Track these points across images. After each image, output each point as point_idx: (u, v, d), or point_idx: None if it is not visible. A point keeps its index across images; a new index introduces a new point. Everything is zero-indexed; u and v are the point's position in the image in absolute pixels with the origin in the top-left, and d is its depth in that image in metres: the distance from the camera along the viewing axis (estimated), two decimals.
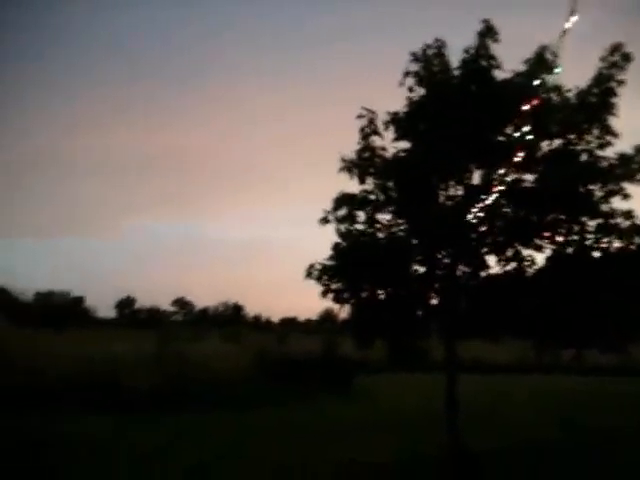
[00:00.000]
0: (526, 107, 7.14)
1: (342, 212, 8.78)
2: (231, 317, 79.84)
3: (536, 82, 7.48)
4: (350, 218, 8.80)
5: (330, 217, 8.79)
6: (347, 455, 8.69)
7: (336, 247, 8.72)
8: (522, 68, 8.44)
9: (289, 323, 72.17)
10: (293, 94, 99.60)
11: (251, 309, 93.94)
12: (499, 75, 8.56)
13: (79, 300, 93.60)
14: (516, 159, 7.65)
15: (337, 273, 8.59)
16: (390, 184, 8.91)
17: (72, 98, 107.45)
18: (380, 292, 8.64)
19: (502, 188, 7.96)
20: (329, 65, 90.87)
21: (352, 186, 8.89)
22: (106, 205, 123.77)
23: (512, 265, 8.50)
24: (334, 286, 8.59)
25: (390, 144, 8.96)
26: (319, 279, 8.61)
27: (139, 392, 11.91)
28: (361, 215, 8.84)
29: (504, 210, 8.49)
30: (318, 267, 8.64)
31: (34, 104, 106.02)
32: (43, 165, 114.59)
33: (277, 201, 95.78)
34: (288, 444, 9.44)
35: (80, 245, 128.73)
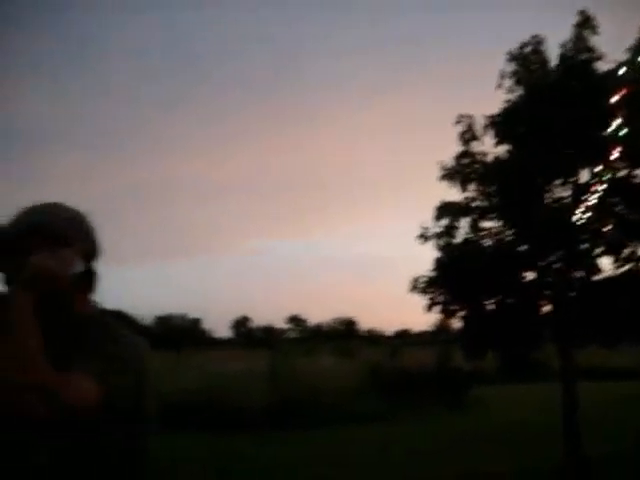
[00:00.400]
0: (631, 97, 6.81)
1: (444, 221, 8.63)
2: (344, 332, 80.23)
3: None
4: (452, 227, 8.64)
5: (429, 232, 8.64)
6: (466, 466, 8.49)
7: (439, 258, 8.57)
8: (624, 57, 8.05)
9: (402, 336, 71.74)
10: (400, 108, 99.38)
11: (365, 323, 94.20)
12: (600, 67, 8.22)
13: (197, 322, 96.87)
14: (623, 154, 7.30)
15: (442, 285, 8.44)
16: (493, 189, 8.69)
17: (191, 123, 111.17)
18: (488, 302, 8.40)
19: (611, 185, 7.61)
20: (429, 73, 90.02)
21: (453, 195, 8.75)
22: (220, 227, 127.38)
23: (629, 266, 8.09)
24: (440, 298, 8.45)
25: (490, 149, 8.76)
26: (424, 292, 8.49)
27: (252, 410, 12.12)
28: (464, 223, 8.67)
29: (616, 208, 8.10)
30: (423, 279, 8.52)
31: (153, 129, 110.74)
32: (161, 190, 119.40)
33: (390, 216, 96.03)
34: (405, 457, 9.35)
35: (198, 267, 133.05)
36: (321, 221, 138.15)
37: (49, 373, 1.29)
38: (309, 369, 16.26)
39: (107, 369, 1.40)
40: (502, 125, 8.66)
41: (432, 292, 8.51)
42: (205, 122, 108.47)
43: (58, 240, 1.50)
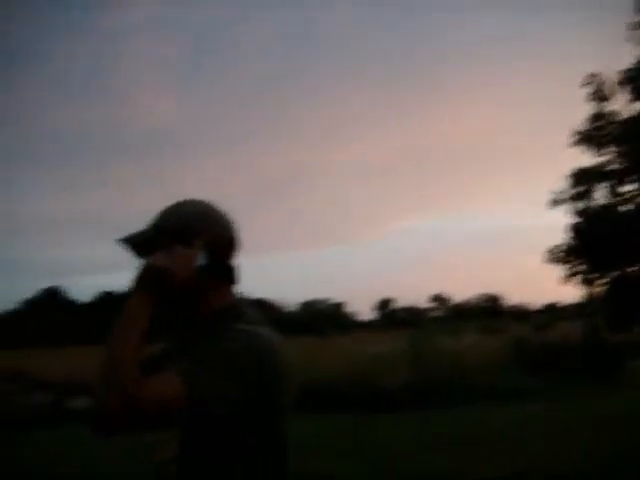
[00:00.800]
0: None
1: (579, 189, 8.24)
2: (489, 309, 78.70)
3: None
4: (587, 193, 8.23)
5: (561, 197, 8.28)
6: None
7: (576, 224, 8.19)
8: None
9: (550, 310, 69.26)
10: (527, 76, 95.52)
11: (510, 299, 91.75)
12: None
13: (340, 306, 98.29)
14: None
15: (580, 253, 8.07)
16: (631, 150, 8.19)
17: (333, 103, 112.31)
18: (632, 269, 7.95)
19: None
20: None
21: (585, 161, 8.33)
22: (362, 210, 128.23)
23: None
24: (578, 268, 8.09)
25: (624, 107, 8.26)
26: (562, 262, 8.17)
27: (395, 390, 12.18)
28: (600, 188, 8.23)
29: None
30: (559, 249, 8.20)
31: (288, 117, 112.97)
32: (301, 178, 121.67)
33: (531, 185, 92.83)
34: (555, 433, 9.04)
35: (341, 252, 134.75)
36: (460, 197, 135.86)
37: (130, 372, 1.32)
38: (452, 347, 16.08)
39: (207, 366, 1.41)
40: (638, 80, 8.14)
41: (570, 261, 8.16)
42: (338, 106, 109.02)
43: (181, 239, 1.54)
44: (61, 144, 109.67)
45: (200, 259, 1.54)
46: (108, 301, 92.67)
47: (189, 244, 1.54)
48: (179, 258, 1.50)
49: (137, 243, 1.59)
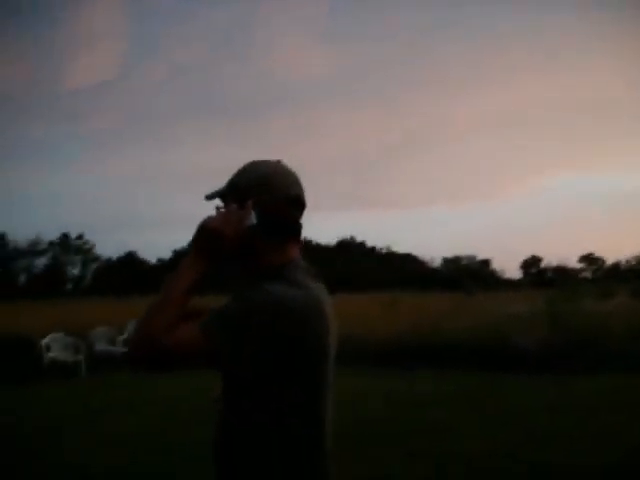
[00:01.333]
0: None
1: None
2: None
3: None
4: None
5: None
6: None
7: None
8: None
9: None
10: None
11: None
12: None
13: (486, 263, 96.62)
14: None
15: None
16: None
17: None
18: None
19: None
20: None
21: None
22: (509, 165, 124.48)
23: None
24: None
25: None
26: None
27: (529, 351, 12.04)
28: None
29: None
30: None
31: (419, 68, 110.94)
32: (439, 130, 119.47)
33: None
34: None
35: (486, 208, 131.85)
36: (613, 152, 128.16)
37: (159, 321, 1.49)
38: (598, 310, 15.59)
39: (224, 321, 1.51)
40: None
41: None
42: (485, 54, 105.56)
43: (241, 197, 1.65)
44: (219, 98, 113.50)
45: (251, 219, 1.61)
46: None
47: (241, 204, 1.63)
48: (230, 218, 1.60)
49: (219, 197, 1.73)
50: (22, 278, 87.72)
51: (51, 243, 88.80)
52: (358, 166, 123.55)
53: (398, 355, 13.07)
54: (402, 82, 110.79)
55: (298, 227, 1.73)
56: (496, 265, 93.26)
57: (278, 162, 1.74)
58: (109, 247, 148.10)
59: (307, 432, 1.58)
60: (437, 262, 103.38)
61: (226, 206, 1.69)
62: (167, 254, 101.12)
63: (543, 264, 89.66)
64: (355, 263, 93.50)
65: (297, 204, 1.71)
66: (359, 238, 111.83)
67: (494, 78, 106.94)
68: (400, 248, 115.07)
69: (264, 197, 1.65)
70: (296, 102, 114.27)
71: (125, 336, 15.20)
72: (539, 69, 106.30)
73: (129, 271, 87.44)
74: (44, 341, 13.23)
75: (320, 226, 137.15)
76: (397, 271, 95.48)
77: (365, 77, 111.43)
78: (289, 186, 1.70)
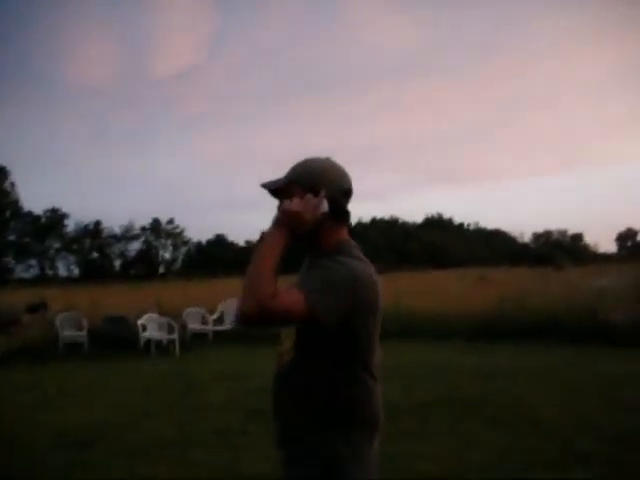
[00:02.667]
0: None
1: None
2: None
3: None
4: None
5: None
6: None
7: None
8: None
9: None
10: None
11: None
12: None
13: (578, 237, 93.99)
14: None
15: None
16: None
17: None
18: None
19: None
20: None
21: None
22: (600, 136, 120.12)
23: None
24: None
25: None
26: None
27: (617, 325, 11.78)
28: None
29: None
30: None
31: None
32: (533, 101, 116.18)
33: None
34: None
35: (579, 180, 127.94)
36: None
37: (264, 286, 1.84)
38: None
39: (319, 285, 1.89)
40: None
41: None
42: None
43: (310, 188, 2.02)
44: (302, 78, 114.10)
45: (324, 206, 2.00)
46: None
47: (316, 194, 2.00)
48: (309, 205, 1.97)
49: (273, 189, 2.11)
50: (117, 263, 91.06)
51: (143, 228, 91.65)
52: (445, 141, 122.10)
53: (485, 330, 13.06)
54: (488, 52, 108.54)
55: (349, 214, 2.12)
56: (589, 239, 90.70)
57: (328, 159, 2.10)
58: (199, 230, 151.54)
59: (367, 376, 2.01)
60: (527, 237, 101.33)
61: (280, 197, 2.07)
62: (255, 236, 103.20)
63: (639, 237, 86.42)
64: (443, 240, 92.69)
65: (349, 195, 2.10)
66: (447, 215, 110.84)
67: (588, 42, 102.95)
68: (489, 224, 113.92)
69: (329, 189, 2.02)
70: (380, 78, 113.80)
71: (215, 316, 15.73)
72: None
73: (219, 253, 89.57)
74: (140, 321, 13.84)
75: (407, 203, 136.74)
76: (486, 247, 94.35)
77: (449, 48, 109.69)
78: (344, 179, 2.10)
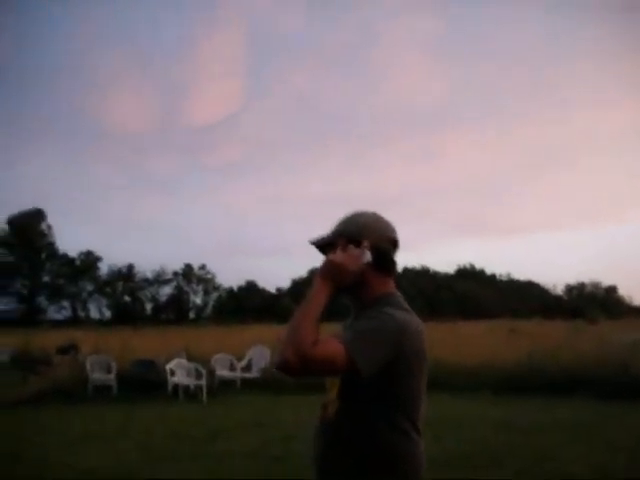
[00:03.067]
0: None
1: None
2: None
3: None
4: None
5: None
6: None
7: None
8: None
9: None
10: None
11: None
12: None
13: (612, 289, 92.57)
14: None
15: None
16: None
17: None
18: None
19: None
20: None
21: None
22: (636, 187, 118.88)
23: None
24: None
25: None
26: None
27: None
28: None
29: None
30: None
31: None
32: (564, 151, 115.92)
33: None
34: None
35: (613, 232, 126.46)
36: None
37: (306, 335, 1.86)
38: None
39: (354, 337, 1.93)
40: None
41: None
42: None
43: (353, 240, 2.08)
44: (339, 125, 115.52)
45: (366, 257, 2.05)
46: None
47: (359, 245, 2.06)
48: (351, 256, 2.03)
49: (320, 244, 2.18)
50: (148, 306, 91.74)
51: (175, 273, 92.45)
52: (477, 191, 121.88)
53: (514, 383, 12.88)
54: (524, 101, 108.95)
55: (395, 265, 2.17)
56: (623, 292, 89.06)
57: (374, 213, 2.20)
58: (230, 276, 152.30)
59: (411, 429, 2.02)
60: (560, 289, 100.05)
61: (330, 251, 2.11)
62: (286, 283, 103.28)
63: None
64: (474, 291, 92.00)
65: (394, 246, 2.16)
66: (479, 265, 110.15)
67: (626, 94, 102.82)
68: (521, 275, 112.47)
69: (372, 240, 2.09)
70: (413, 126, 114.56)
71: (244, 363, 15.77)
72: None
73: (249, 300, 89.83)
74: (168, 366, 13.93)
75: (439, 253, 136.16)
76: (518, 299, 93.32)
77: (481, 97, 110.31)
78: (388, 231, 2.16)
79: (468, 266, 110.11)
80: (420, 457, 2.04)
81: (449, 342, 17.63)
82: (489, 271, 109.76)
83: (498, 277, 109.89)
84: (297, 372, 1.88)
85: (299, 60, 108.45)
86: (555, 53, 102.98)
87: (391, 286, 2.15)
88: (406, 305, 2.10)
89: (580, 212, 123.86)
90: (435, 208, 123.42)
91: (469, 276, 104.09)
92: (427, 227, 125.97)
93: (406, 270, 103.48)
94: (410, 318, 2.05)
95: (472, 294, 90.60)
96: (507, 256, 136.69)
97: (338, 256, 2.03)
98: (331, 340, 1.92)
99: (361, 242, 2.07)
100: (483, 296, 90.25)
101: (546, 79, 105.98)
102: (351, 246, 2.07)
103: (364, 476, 1.97)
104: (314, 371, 1.90)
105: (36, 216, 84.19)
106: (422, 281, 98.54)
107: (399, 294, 2.14)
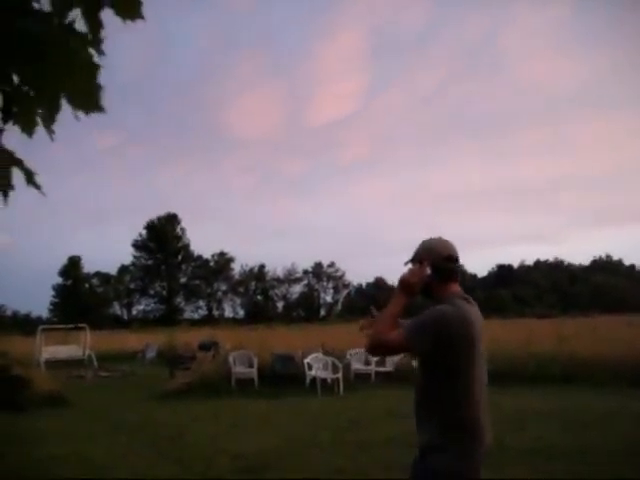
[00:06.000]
0: None
1: None
2: None
3: None
4: None
5: None
6: None
7: None
8: None
9: None
10: None
11: None
12: None
13: None
14: None
15: None
16: None
17: None
18: None
19: None
20: None
21: None
22: None
23: None
24: None
25: None
26: None
27: None
28: None
29: None
30: None
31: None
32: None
33: None
34: None
35: None
36: None
37: (383, 329, 2.74)
38: None
39: (408, 326, 2.74)
40: None
41: None
42: None
43: (418, 260, 2.91)
44: (461, 119, 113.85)
45: (426, 272, 2.86)
46: (501, 275, 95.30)
47: (421, 264, 2.88)
48: (413, 273, 2.88)
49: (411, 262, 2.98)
50: (279, 304, 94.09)
51: (305, 272, 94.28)
52: (613, 180, 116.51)
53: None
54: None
55: (455, 273, 2.91)
56: None
57: (440, 238, 2.96)
58: (359, 274, 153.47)
59: (462, 390, 2.67)
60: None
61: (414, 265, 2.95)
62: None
63: None
64: (611, 283, 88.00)
65: (451, 260, 2.90)
66: (616, 256, 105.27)
67: None
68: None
69: (431, 259, 2.88)
70: (543, 116, 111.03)
71: (378, 358, 16.12)
72: None
73: (378, 296, 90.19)
74: (306, 360, 14.52)
75: (573, 244, 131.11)
76: None
77: (616, 84, 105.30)
78: (445, 249, 2.91)
79: (604, 257, 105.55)
80: (477, 421, 2.68)
81: (585, 336, 17.23)
82: (627, 262, 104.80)
83: (638, 268, 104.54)
84: (377, 352, 2.87)
85: (423, 58, 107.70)
86: None
87: (455, 288, 2.88)
88: (457, 302, 2.76)
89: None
90: (568, 198, 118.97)
91: (605, 268, 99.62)
92: (561, 217, 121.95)
93: (539, 262, 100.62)
94: (455, 310, 2.71)
95: (609, 286, 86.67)
96: None
97: (406, 274, 2.88)
98: (396, 330, 2.76)
99: (422, 262, 2.87)
100: (621, 288, 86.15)
101: None
102: (416, 265, 2.89)
103: (442, 435, 2.66)
104: (387, 351, 2.91)
105: (171, 220, 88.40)
106: (556, 274, 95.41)
107: (461, 294, 2.84)
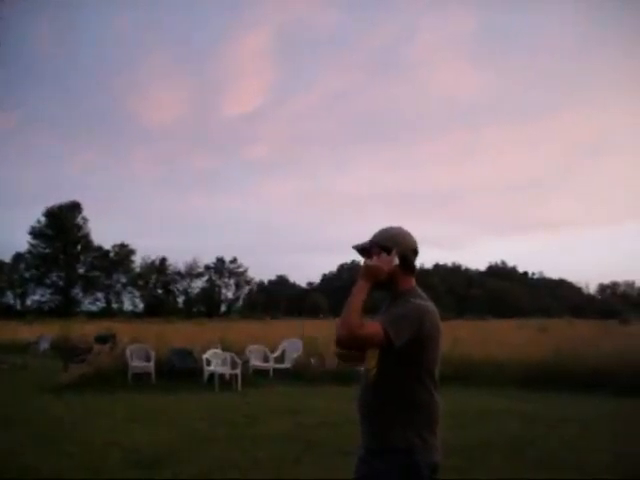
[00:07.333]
0: None
1: None
2: None
3: None
4: None
5: None
6: None
7: None
8: None
9: None
10: None
11: None
12: None
13: None
14: None
15: None
16: None
17: None
18: None
19: None
20: None
21: None
22: None
23: None
24: None
25: None
26: None
27: None
28: None
29: None
30: None
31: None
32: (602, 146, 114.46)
33: None
34: None
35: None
36: None
37: (354, 320, 2.55)
38: None
39: (389, 319, 2.62)
40: None
41: None
42: None
43: (384, 249, 2.79)
44: (370, 123, 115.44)
45: (395, 261, 2.75)
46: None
47: (389, 253, 2.77)
48: (383, 261, 2.74)
49: (360, 249, 2.89)
50: (180, 299, 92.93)
51: (207, 267, 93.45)
52: (510, 189, 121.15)
53: (538, 379, 13.26)
54: (557, 102, 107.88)
55: (415, 267, 2.86)
56: None
57: (401, 227, 2.91)
58: (261, 270, 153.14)
59: (431, 384, 2.72)
60: (592, 288, 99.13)
61: (365, 255, 2.85)
62: (316, 278, 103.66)
63: None
64: (505, 289, 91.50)
65: (416, 253, 2.86)
66: (510, 263, 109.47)
67: None
68: (554, 274, 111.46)
69: (400, 248, 2.79)
70: (448, 125, 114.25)
71: (277, 354, 16.27)
72: None
73: (280, 294, 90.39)
74: (205, 356, 14.48)
75: (470, 250, 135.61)
76: (550, 297, 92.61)
77: (517, 96, 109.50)
78: (412, 241, 2.87)
79: (500, 263, 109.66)
80: (437, 403, 2.73)
81: (477, 338, 17.92)
82: (521, 269, 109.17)
83: (530, 275, 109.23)
84: (349, 346, 2.63)
85: (333, 59, 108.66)
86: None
87: (413, 283, 2.84)
88: (424, 295, 2.79)
89: (615, 210, 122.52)
90: (467, 206, 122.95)
91: (500, 274, 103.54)
92: (459, 224, 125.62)
93: (438, 266, 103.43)
94: (427, 304, 2.73)
95: (503, 292, 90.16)
96: (539, 254, 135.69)
97: (374, 261, 2.74)
98: (373, 322, 2.63)
99: (391, 250, 2.77)
100: (514, 294, 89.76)
101: (585, 81, 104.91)
102: (384, 253, 2.77)
103: (402, 425, 2.64)
104: (361, 345, 2.64)
105: (73, 209, 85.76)
106: (453, 278, 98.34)
107: (418, 287, 2.82)
